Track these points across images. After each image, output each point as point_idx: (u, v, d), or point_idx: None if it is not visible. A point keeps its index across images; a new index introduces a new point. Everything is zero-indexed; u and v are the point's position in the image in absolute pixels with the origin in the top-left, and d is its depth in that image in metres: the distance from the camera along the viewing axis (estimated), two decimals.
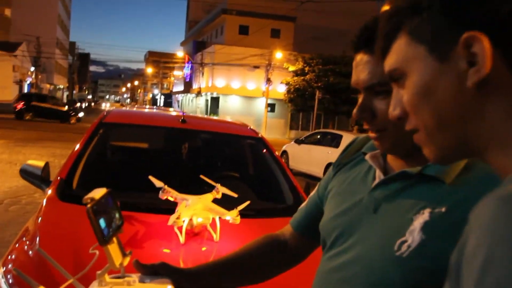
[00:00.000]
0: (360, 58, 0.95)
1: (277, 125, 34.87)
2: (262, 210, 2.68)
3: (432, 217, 0.84)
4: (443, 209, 0.84)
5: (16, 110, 26.66)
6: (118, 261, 0.91)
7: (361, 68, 0.94)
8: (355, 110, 0.96)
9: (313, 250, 1.25)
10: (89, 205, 0.85)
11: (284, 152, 13.76)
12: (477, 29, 0.54)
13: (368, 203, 0.96)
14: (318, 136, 13.26)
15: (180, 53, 50.31)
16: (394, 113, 0.69)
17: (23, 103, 26.84)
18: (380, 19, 0.68)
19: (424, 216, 0.85)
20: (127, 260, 0.94)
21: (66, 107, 28.96)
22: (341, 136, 11.94)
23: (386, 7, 0.67)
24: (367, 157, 1.02)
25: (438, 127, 0.60)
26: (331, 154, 11.59)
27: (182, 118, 3.24)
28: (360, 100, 0.95)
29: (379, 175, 0.98)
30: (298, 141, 13.54)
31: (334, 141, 12.00)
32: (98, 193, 0.90)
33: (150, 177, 2.27)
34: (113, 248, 0.91)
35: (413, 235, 0.84)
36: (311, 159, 12.28)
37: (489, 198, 0.46)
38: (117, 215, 0.95)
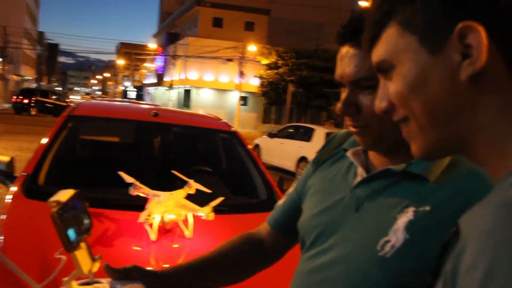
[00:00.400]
0: (346, 51, 0.91)
1: (249, 118, 34.85)
2: (236, 205, 2.65)
3: (417, 216, 0.82)
4: (428, 208, 0.82)
5: (19, 104, 27.41)
6: (87, 267, 0.86)
7: (347, 61, 0.91)
8: (339, 105, 0.92)
9: (290, 248, 1.22)
10: (54, 209, 0.79)
11: (257, 145, 13.76)
12: (473, 20, 0.51)
13: (350, 202, 0.94)
14: (291, 130, 13.30)
15: (152, 45, 49.68)
16: (381, 105, 0.66)
17: (27, 98, 27.58)
18: (370, 6, 0.65)
19: (408, 215, 0.83)
20: (96, 265, 0.89)
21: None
22: (313, 130, 12.00)
23: None
24: (348, 153, 0.99)
25: (428, 121, 0.57)
26: (304, 148, 11.63)
27: (154, 111, 3.17)
28: (344, 94, 0.92)
29: (361, 173, 0.95)
30: (271, 135, 13.55)
31: (306, 135, 12.05)
32: (65, 195, 0.84)
33: (120, 173, 2.21)
34: (81, 254, 0.86)
35: (397, 234, 0.82)
36: (284, 153, 12.30)
37: (487, 206, 0.43)
38: (85, 218, 0.89)
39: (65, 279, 0.87)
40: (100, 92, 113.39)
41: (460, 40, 0.52)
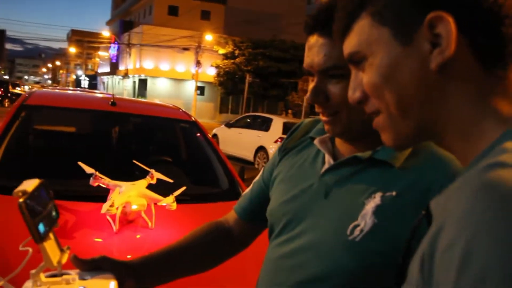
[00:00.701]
0: (315, 40, 0.92)
1: (206, 108, 34.63)
2: (197, 195, 2.64)
3: (383, 201, 0.85)
4: (394, 193, 0.85)
5: None
6: (56, 258, 0.84)
7: (316, 50, 0.92)
8: (308, 94, 0.94)
9: (257, 235, 1.24)
10: (21, 200, 0.76)
11: (215, 135, 13.71)
12: (442, 10, 0.53)
13: (318, 189, 0.96)
14: (248, 120, 13.31)
15: (106, 33, 48.29)
16: (354, 96, 0.67)
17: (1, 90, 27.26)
18: None
19: (375, 200, 0.86)
20: (65, 257, 0.86)
21: None
22: (271, 120, 12.06)
23: None
24: (315, 141, 1.01)
25: (400, 110, 0.59)
26: (262, 137, 11.69)
27: (112, 100, 3.10)
28: (313, 83, 0.93)
29: (328, 160, 0.97)
30: (229, 125, 13.53)
31: (264, 124, 12.10)
32: (30, 185, 0.80)
33: (80, 163, 2.16)
34: (50, 245, 0.83)
35: (365, 219, 0.85)
36: (242, 142, 12.32)
37: (463, 188, 0.45)
38: (52, 209, 0.86)
39: (33, 271, 0.84)
40: (51, 81, 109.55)
41: (429, 30, 0.54)
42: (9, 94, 27.39)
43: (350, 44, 0.64)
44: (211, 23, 37.17)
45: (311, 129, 1.09)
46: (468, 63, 0.54)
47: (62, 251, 0.87)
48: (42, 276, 0.85)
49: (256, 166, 11.34)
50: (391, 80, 0.58)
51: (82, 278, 0.89)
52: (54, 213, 0.86)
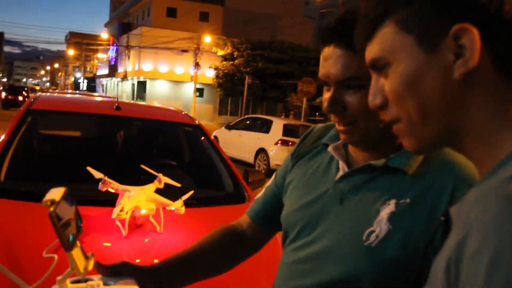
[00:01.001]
0: (332, 51, 0.93)
1: (205, 110, 34.63)
2: (203, 198, 2.66)
3: (398, 208, 0.88)
4: (408, 200, 0.88)
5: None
6: (82, 265, 0.86)
7: (332, 61, 0.93)
8: (325, 104, 0.95)
9: (269, 240, 1.26)
10: (51, 209, 0.78)
11: (215, 137, 13.72)
12: (467, 21, 0.55)
13: (333, 195, 0.98)
14: (248, 122, 13.34)
15: (104, 35, 48.30)
16: (375, 102, 0.68)
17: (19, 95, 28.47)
18: (362, 4, 0.67)
19: (390, 207, 0.88)
20: (91, 264, 0.89)
21: None
22: (271, 122, 12.07)
23: None
24: (329, 149, 1.03)
25: (421, 118, 0.61)
26: (262, 139, 11.70)
27: (116, 104, 3.12)
28: (329, 93, 0.95)
29: (342, 167, 0.99)
30: (229, 127, 13.55)
31: (264, 126, 12.12)
32: (57, 193, 0.82)
33: (89, 168, 2.18)
34: (77, 252, 0.85)
35: (381, 225, 0.87)
36: (242, 144, 12.34)
37: (489, 197, 0.47)
38: (77, 216, 0.88)
39: (59, 277, 0.86)
40: (49, 84, 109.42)
41: (454, 40, 0.56)
42: (26, 99, 27.78)
43: (373, 50, 0.65)
44: (210, 24, 37.18)
45: (323, 135, 1.11)
46: (490, 73, 0.56)
47: (87, 258, 0.89)
48: (68, 282, 0.87)
49: (256, 168, 11.35)
50: (414, 88, 0.60)
51: (105, 283, 0.92)
52: (78, 221, 0.88)
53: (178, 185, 2.33)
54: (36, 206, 2.19)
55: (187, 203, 2.21)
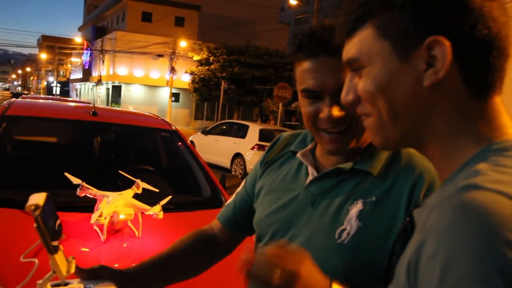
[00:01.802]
0: (322, 62, 0.96)
1: (181, 115, 34.49)
2: (181, 203, 2.68)
3: (365, 206, 0.95)
4: (374, 199, 0.95)
5: None
6: (64, 269, 0.88)
7: (326, 72, 0.96)
8: (325, 114, 0.98)
9: (240, 243, 1.31)
10: (36, 213, 0.80)
11: (191, 142, 13.67)
12: (442, 35, 0.59)
13: (305, 198, 1.03)
14: (225, 127, 13.35)
15: (78, 39, 47.71)
16: (347, 98, 0.71)
17: None
18: (349, 2, 0.70)
19: (358, 206, 0.95)
20: (72, 267, 0.91)
21: None
22: (247, 127, 12.12)
23: None
24: (298, 155, 1.09)
25: (391, 118, 0.66)
26: (238, 144, 11.74)
27: (93, 110, 3.12)
28: (325, 106, 0.98)
29: (312, 172, 1.05)
30: (205, 132, 13.54)
31: (241, 131, 12.15)
32: (40, 198, 0.84)
33: (66, 174, 2.19)
34: (60, 256, 0.87)
35: (351, 223, 0.94)
36: (218, 150, 12.34)
37: (444, 205, 0.52)
38: (57, 220, 0.91)
39: (40, 281, 0.88)
40: (21, 88, 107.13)
41: (428, 51, 0.61)
42: None
43: (351, 50, 0.69)
44: (185, 29, 37.09)
45: (290, 143, 1.17)
46: (457, 86, 0.61)
47: (68, 262, 0.91)
48: (49, 286, 0.89)
49: (233, 173, 11.37)
50: (386, 91, 0.65)
51: (86, 287, 0.94)
52: (58, 225, 0.91)
53: (156, 190, 2.35)
54: (12, 213, 2.20)
55: (164, 208, 2.23)
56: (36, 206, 0.82)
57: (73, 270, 0.92)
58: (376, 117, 0.67)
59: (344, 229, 0.94)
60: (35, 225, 0.81)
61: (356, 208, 0.95)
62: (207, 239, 1.26)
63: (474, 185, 0.52)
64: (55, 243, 0.86)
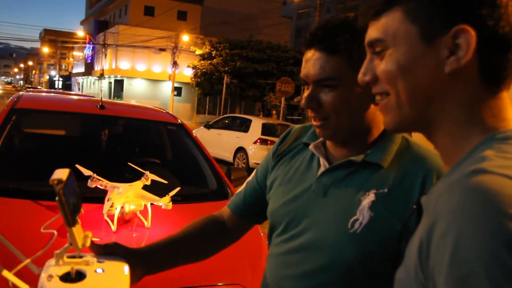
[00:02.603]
0: (312, 54, 1.04)
1: (183, 109, 34.53)
2: (188, 195, 2.74)
3: (378, 197, 0.99)
4: (386, 190, 0.99)
5: None
6: (80, 242, 0.92)
7: (312, 63, 1.04)
8: (303, 101, 1.07)
9: (248, 230, 1.36)
10: (58, 187, 0.84)
11: None
12: (469, 24, 0.63)
13: (317, 189, 1.08)
14: (227, 121, 13.37)
15: (80, 33, 47.68)
16: (365, 78, 0.75)
17: None
18: None
19: (370, 197, 0.99)
20: (88, 241, 0.95)
21: None
22: (250, 121, 12.14)
23: None
24: (310, 147, 1.13)
25: (408, 99, 0.69)
26: (241, 138, 11.77)
27: (100, 103, 3.17)
28: (308, 91, 1.06)
29: (323, 163, 1.09)
30: (208, 126, 13.57)
31: (243, 125, 12.18)
32: (63, 174, 0.88)
33: (77, 166, 2.24)
34: (77, 230, 0.91)
35: (363, 213, 0.98)
36: (221, 143, 12.38)
37: (453, 189, 0.57)
38: (78, 196, 0.95)
39: (57, 251, 0.92)
40: (23, 82, 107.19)
41: (453, 38, 0.64)
42: None
43: (375, 32, 0.72)
44: (188, 23, 37.07)
45: (301, 135, 1.22)
46: (474, 76, 0.65)
47: (84, 236, 0.96)
48: (65, 256, 0.94)
49: (236, 166, 11.43)
50: (407, 73, 0.68)
51: (99, 260, 0.98)
52: (79, 201, 0.96)
53: (165, 182, 2.40)
54: (24, 203, 2.25)
55: (172, 200, 2.29)
56: (59, 181, 0.86)
57: (88, 244, 0.95)
58: (394, 97, 0.70)
59: (356, 219, 0.98)
60: (56, 198, 0.85)
61: (368, 199, 0.99)
62: (217, 224, 1.31)
63: (482, 169, 0.56)
64: (73, 217, 0.90)
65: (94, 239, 1.00)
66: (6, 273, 0.88)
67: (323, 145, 1.14)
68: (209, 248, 1.30)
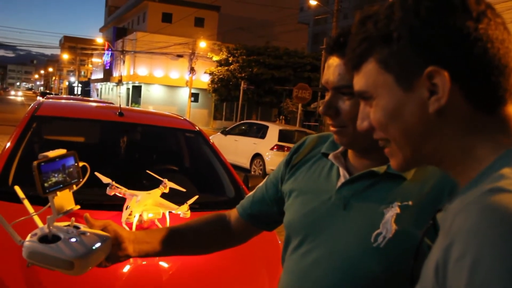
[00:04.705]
0: (333, 60, 1.03)
1: (200, 115, 34.68)
2: (206, 203, 2.73)
3: (402, 209, 0.96)
4: (410, 203, 0.96)
5: None
6: (61, 210, 1.05)
7: (332, 70, 1.03)
8: (321, 107, 1.05)
9: (253, 236, 1.35)
10: (35, 162, 0.98)
11: None
12: (439, 64, 0.63)
13: (337, 201, 1.04)
14: (244, 127, 13.39)
15: (99, 39, 48.33)
16: (363, 125, 0.77)
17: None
18: (351, 36, 0.74)
19: (394, 210, 0.96)
20: (70, 207, 1.08)
21: None
22: (267, 127, 12.14)
23: (358, 23, 0.73)
24: (330, 157, 1.10)
25: (405, 142, 0.69)
26: (258, 145, 11.77)
27: (119, 110, 3.19)
28: (327, 98, 1.04)
29: (343, 174, 1.06)
30: (224, 132, 13.60)
31: (260, 132, 12.18)
32: (54, 152, 1.04)
33: (97, 173, 2.25)
34: (57, 199, 1.04)
35: (387, 226, 0.95)
36: (238, 150, 12.39)
37: (470, 208, 0.55)
38: (75, 174, 1.08)
39: (49, 217, 1.04)
40: (43, 88, 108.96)
41: (428, 80, 0.64)
42: None
43: (359, 83, 0.74)
44: (205, 30, 37.29)
45: (318, 145, 1.19)
46: (461, 105, 0.64)
47: (71, 208, 1.08)
48: (54, 223, 1.06)
49: (252, 173, 11.42)
50: (395, 119, 0.69)
51: (82, 232, 1.07)
52: (74, 180, 1.08)
53: (183, 190, 2.40)
54: (40, 209, 2.26)
55: (190, 208, 2.28)
56: (44, 157, 1.01)
57: (67, 208, 1.07)
58: (393, 142, 0.71)
59: (380, 233, 0.95)
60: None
61: (392, 212, 0.96)
62: (223, 223, 1.31)
63: (499, 188, 0.54)
64: (65, 189, 1.04)
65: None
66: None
67: (343, 155, 1.11)
68: (208, 244, 1.32)
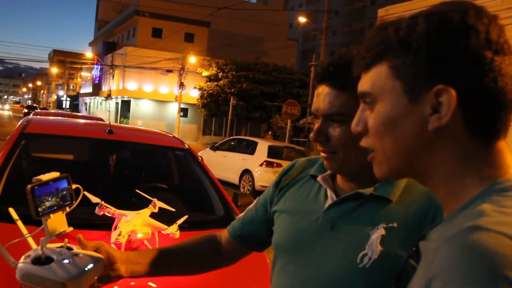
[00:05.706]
0: (322, 89, 1.07)
1: (189, 130, 34.65)
2: (195, 222, 2.73)
3: (387, 231, 0.99)
4: (395, 225, 0.99)
5: None
6: (54, 232, 1.06)
7: (322, 98, 1.07)
8: (312, 134, 1.09)
9: (243, 256, 1.37)
10: (29, 186, 0.99)
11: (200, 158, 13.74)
12: (450, 84, 0.64)
13: (324, 222, 1.07)
14: (233, 143, 13.39)
15: (89, 54, 48.26)
16: (357, 128, 0.77)
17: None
18: (370, 37, 0.74)
19: (379, 231, 0.99)
20: (63, 229, 1.09)
21: None
22: (256, 143, 12.15)
23: (378, 27, 0.73)
24: (319, 179, 1.13)
25: (395, 153, 0.70)
26: (247, 161, 11.76)
27: (108, 128, 3.18)
28: (317, 125, 1.08)
29: (331, 196, 1.09)
30: (214, 148, 13.58)
31: (249, 147, 12.18)
32: (47, 176, 1.05)
33: (85, 193, 2.24)
34: (50, 222, 1.05)
35: (372, 248, 0.98)
36: (227, 166, 12.36)
37: (450, 244, 0.56)
38: (68, 197, 1.10)
39: (42, 238, 1.05)
40: (31, 101, 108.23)
41: (435, 97, 0.65)
42: None
43: (366, 83, 0.73)
44: (195, 45, 37.41)
45: (306, 167, 1.22)
46: (459, 130, 0.65)
47: (64, 230, 1.09)
48: (49, 244, 1.07)
49: (241, 189, 11.39)
50: (392, 129, 0.69)
51: (75, 254, 1.08)
52: (67, 201, 1.09)
53: (173, 210, 2.40)
54: (32, 230, 2.24)
55: (179, 227, 2.28)
56: (37, 180, 1.02)
57: (61, 230, 1.08)
58: (381, 151, 0.72)
59: (365, 254, 0.98)
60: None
61: (377, 233, 0.98)
62: (213, 244, 1.33)
63: (479, 226, 0.55)
64: (59, 211, 1.06)
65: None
66: None
67: (332, 178, 1.14)
68: (199, 265, 1.33)
